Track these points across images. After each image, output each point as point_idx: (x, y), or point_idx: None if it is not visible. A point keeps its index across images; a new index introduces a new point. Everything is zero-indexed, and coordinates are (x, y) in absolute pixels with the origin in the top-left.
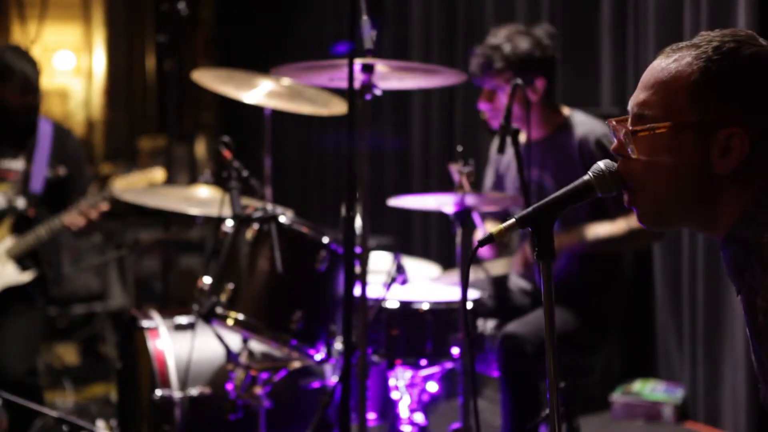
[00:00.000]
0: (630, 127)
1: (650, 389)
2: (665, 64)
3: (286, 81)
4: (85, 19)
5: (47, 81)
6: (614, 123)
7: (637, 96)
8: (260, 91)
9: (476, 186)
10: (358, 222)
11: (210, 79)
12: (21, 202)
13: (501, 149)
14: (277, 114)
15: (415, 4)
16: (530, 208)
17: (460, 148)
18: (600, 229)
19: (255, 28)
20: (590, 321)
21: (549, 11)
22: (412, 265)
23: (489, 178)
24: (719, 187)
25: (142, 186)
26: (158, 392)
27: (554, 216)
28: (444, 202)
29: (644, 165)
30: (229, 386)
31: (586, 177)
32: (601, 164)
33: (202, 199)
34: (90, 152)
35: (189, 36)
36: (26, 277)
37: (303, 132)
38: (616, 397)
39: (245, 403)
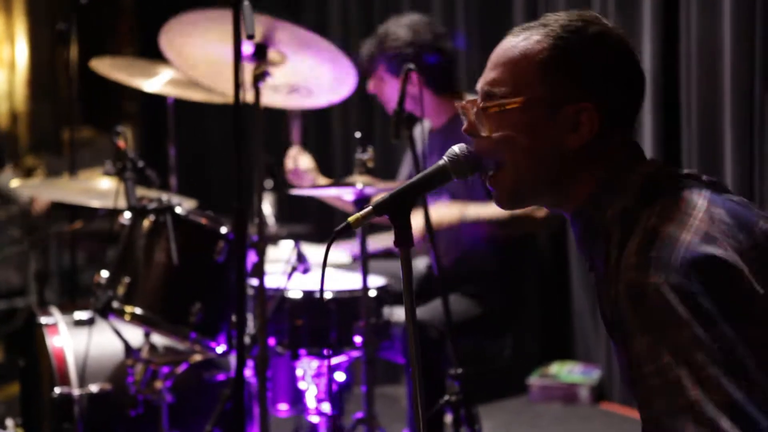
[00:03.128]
0: (480, 104)
1: (567, 371)
2: (514, 42)
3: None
4: (5, 9)
5: None
6: (464, 104)
7: (487, 75)
8: (160, 80)
9: (375, 172)
10: (267, 210)
11: (107, 68)
12: None
13: (396, 136)
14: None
15: (334, 6)
16: (386, 195)
17: (358, 135)
18: (483, 210)
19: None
20: (494, 305)
21: (464, 7)
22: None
23: (406, 167)
24: (573, 162)
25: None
26: (57, 390)
27: (412, 202)
28: (344, 191)
29: (497, 142)
30: (130, 381)
31: (440, 162)
32: (456, 149)
33: (103, 191)
34: (14, 145)
35: (111, 24)
36: None
37: (220, 119)
38: (534, 380)
39: (146, 398)
